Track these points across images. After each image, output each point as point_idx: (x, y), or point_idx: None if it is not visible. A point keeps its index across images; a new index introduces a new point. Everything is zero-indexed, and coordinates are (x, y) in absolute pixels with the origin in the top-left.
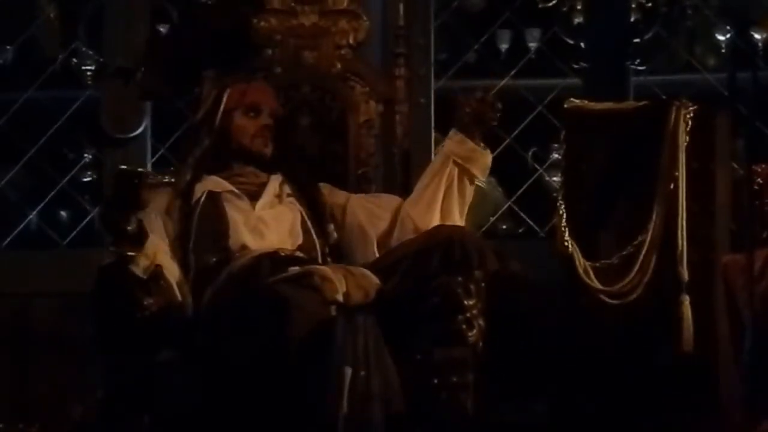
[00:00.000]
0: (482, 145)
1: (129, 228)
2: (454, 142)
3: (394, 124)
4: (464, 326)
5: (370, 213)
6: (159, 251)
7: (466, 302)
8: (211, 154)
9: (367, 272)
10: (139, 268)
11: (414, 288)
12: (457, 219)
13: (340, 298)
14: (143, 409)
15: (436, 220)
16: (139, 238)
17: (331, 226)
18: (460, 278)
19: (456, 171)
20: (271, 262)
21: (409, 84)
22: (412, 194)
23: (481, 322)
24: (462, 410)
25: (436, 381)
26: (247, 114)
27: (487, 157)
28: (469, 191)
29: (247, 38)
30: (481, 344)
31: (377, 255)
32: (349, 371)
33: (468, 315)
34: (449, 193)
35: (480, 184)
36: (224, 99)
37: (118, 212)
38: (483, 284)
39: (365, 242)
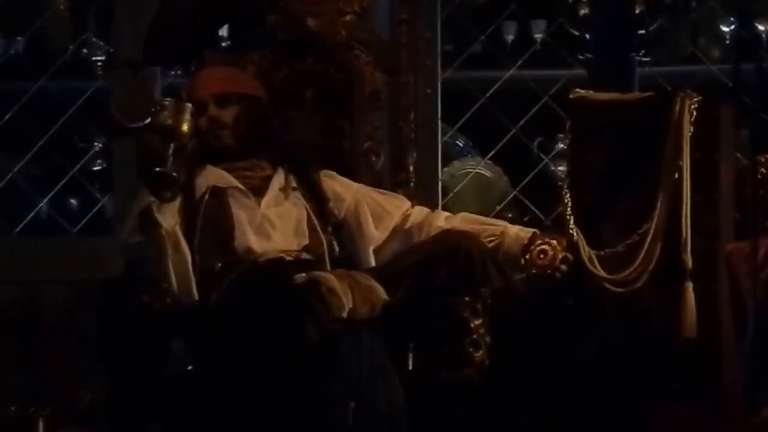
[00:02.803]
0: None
1: (167, 159)
2: (517, 245)
3: (399, 96)
4: (471, 348)
5: (374, 213)
6: (178, 237)
7: (473, 324)
8: (199, 153)
9: (374, 284)
10: (165, 219)
11: (420, 304)
12: None
13: (345, 315)
14: (150, 412)
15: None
16: (173, 183)
17: (335, 213)
18: (467, 298)
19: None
20: (276, 269)
21: (415, 52)
22: (455, 218)
23: (487, 339)
24: (468, 430)
25: (441, 402)
26: (198, 113)
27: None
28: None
29: (250, 5)
30: (487, 362)
31: (372, 260)
32: (353, 396)
33: (474, 336)
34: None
35: (485, 173)
36: (183, 99)
37: (158, 142)
38: (489, 300)
39: (364, 245)
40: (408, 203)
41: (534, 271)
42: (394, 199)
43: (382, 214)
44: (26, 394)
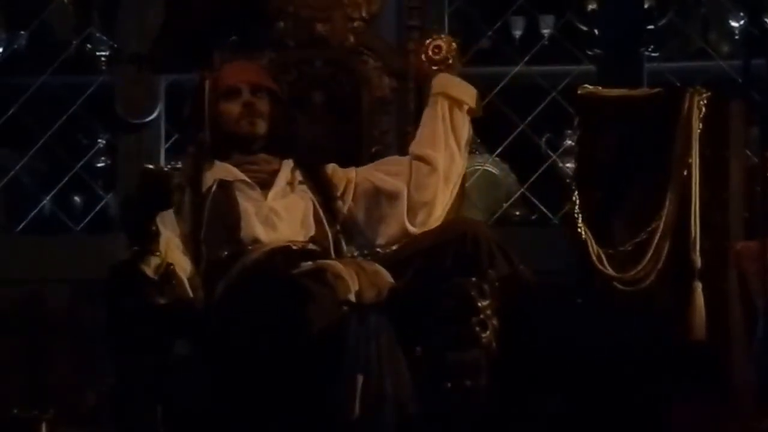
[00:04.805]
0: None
1: (150, 230)
2: (435, 80)
3: (407, 101)
4: (478, 328)
5: (385, 173)
6: (170, 248)
7: (480, 303)
8: (210, 146)
9: (380, 269)
10: (150, 267)
11: (427, 288)
12: (455, 151)
13: (352, 297)
14: (155, 401)
15: (440, 148)
16: (153, 236)
17: (339, 204)
18: (474, 279)
19: (446, 103)
20: (283, 257)
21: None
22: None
23: (494, 322)
24: (475, 412)
25: (449, 384)
26: (228, 99)
27: (470, 87)
28: (462, 121)
29: (259, 11)
30: (494, 344)
31: (405, 212)
32: (360, 378)
33: (482, 316)
34: (444, 124)
35: (493, 170)
36: (206, 90)
37: (144, 214)
38: (497, 283)
39: (395, 199)
40: (405, 157)
41: (435, 68)
42: (392, 158)
43: (393, 169)
44: (29, 395)
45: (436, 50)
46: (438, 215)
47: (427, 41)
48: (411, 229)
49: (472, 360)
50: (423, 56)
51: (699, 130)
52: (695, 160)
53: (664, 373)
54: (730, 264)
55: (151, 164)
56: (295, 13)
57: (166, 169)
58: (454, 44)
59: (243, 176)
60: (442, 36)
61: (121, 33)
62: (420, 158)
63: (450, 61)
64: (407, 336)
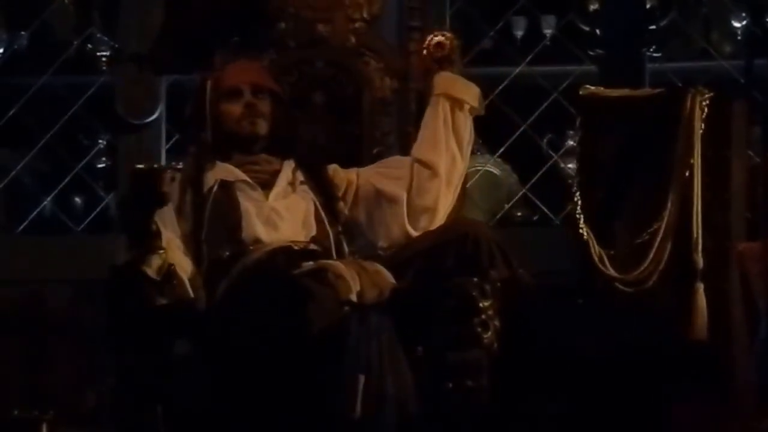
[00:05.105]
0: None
1: (149, 229)
2: (437, 80)
3: (408, 102)
4: (480, 329)
5: (386, 176)
6: (171, 248)
7: (481, 304)
8: (211, 147)
9: (382, 269)
10: (152, 268)
11: (428, 288)
12: (456, 153)
13: (353, 297)
14: (155, 401)
15: (441, 152)
16: (154, 237)
17: (341, 204)
18: (475, 279)
19: (447, 104)
20: (284, 257)
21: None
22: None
23: (496, 322)
24: (476, 413)
25: (450, 384)
26: (229, 99)
27: (472, 86)
28: (463, 122)
29: (260, 11)
30: (496, 345)
31: (406, 215)
32: (362, 378)
33: (483, 317)
34: (445, 126)
35: (494, 171)
36: (207, 90)
37: (140, 213)
38: (498, 284)
39: (395, 203)
40: (407, 157)
41: (435, 65)
42: (395, 159)
43: (395, 173)
44: (29, 395)
45: (438, 47)
46: (440, 219)
47: (429, 37)
48: (413, 233)
49: (474, 360)
50: (425, 52)
51: (701, 131)
52: (697, 161)
53: (665, 374)
54: (732, 265)
55: (141, 164)
56: (296, 13)
57: (156, 166)
58: (455, 41)
59: (244, 176)
60: (444, 32)
61: (121, 33)
62: (421, 162)
63: (452, 59)
64: (408, 336)
